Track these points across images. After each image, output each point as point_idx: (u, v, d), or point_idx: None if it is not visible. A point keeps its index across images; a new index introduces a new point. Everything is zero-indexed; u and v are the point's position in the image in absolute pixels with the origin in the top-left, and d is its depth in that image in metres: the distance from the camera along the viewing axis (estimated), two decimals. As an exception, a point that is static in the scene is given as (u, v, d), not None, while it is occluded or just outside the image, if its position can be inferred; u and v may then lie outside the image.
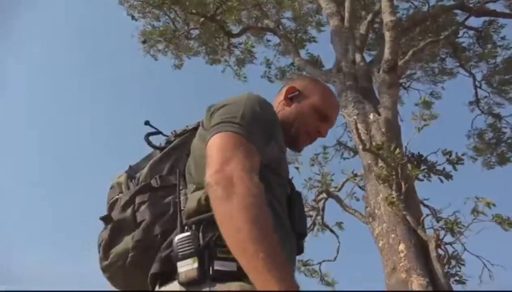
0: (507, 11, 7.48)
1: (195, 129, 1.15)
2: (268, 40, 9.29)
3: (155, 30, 9.04)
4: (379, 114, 5.40)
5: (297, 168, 6.29)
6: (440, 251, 4.13)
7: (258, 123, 1.00)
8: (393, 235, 4.28)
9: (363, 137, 4.95)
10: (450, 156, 4.91)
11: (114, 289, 1.06)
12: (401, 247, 4.13)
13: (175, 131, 1.21)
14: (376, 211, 4.65)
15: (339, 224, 5.99)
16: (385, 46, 5.69)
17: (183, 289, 0.84)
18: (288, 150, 1.24)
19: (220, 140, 0.93)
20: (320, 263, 6.80)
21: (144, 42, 9.36)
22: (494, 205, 3.88)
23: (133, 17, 8.95)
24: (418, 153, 5.05)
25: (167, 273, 0.88)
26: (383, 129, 5.16)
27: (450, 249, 4.34)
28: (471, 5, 7.35)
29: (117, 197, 1.10)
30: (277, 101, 1.27)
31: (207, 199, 0.89)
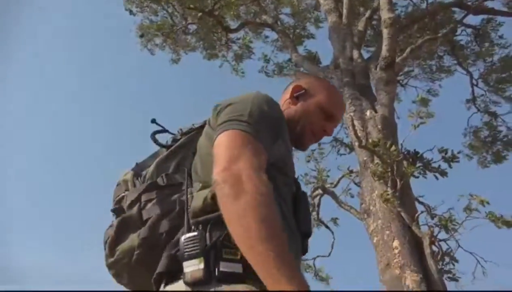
0: (505, 9, 7.48)
1: (201, 127, 1.15)
2: (266, 36, 9.28)
3: (152, 24, 9.00)
4: (375, 111, 5.42)
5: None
6: (434, 248, 4.16)
7: (265, 122, 1.00)
8: (387, 232, 4.31)
9: (359, 134, 4.97)
10: (445, 153, 4.93)
11: (119, 285, 1.06)
12: (396, 243, 4.16)
13: (181, 129, 1.21)
14: (371, 208, 4.67)
15: (334, 220, 6.02)
16: (383, 43, 5.69)
17: (188, 289, 0.84)
18: (293, 148, 1.24)
19: (228, 139, 0.93)
20: (314, 258, 6.85)
21: (141, 36, 9.33)
22: (487, 202, 3.90)
23: (131, 12, 8.91)
24: (414, 150, 5.07)
25: (173, 272, 0.88)
26: (379, 126, 5.17)
27: (444, 246, 4.38)
28: (469, 3, 7.35)
29: (123, 194, 1.10)
30: (283, 100, 1.27)
31: (213, 197, 0.90)
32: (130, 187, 1.10)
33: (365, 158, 5.12)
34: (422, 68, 8.89)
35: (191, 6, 7.99)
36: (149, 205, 1.00)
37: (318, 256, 6.71)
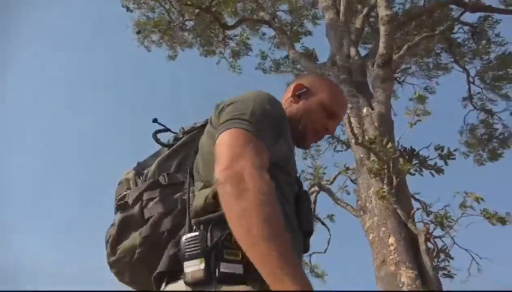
0: (502, 6, 7.49)
1: (203, 126, 1.14)
2: (264, 33, 9.27)
3: (149, 21, 8.97)
4: (372, 109, 5.42)
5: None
6: (430, 245, 4.18)
7: (267, 120, 0.99)
8: (383, 228, 4.32)
9: (355, 131, 4.98)
10: (442, 150, 4.95)
11: (120, 283, 1.07)
12: (391, 240, 4.17)
13: (183, 128, 1.21)
14: (367, 205, 4.68)
15: (331, 217, 6.04)
16: (380, 40, 5.69)
17: (188, 289, 0.84)
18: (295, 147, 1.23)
19: (230, 137, 0.93)
20: (310, 255, 6.86)
21: (138, 32, 9.30)
22: (482, 199, 3.92)
23: (128, 9, 8.88)
24: (411, 147, 5.09)
25: (174, 271, 0.88)
26: (376, 124, 5.18)
27: (439, 243, 4.40)
28: (466, 0, 7.35)
29: (125, 193, 1.10)
30: (285, 98, 1.27)
31: (214, 196, 0.89)
32: (132, 186, 1.10)
33: (361, 155, 5.13)
34: (419, 65, 8.90)
35: (188, 2, 7.96)
36: (151, 203, 1.00)
37: (314, 253, 6.73)
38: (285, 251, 0.75)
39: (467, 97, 8.27)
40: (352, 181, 6.00)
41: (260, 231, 0.77)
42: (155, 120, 1.23)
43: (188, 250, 0.85)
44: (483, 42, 7.92)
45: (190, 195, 0.97)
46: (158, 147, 1.23)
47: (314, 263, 6.92)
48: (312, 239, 1.12)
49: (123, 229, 1.01)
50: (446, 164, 4.92)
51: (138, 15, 9.04)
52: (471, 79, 8.18)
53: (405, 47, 6.63)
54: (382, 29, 5.67)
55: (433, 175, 4.94)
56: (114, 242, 1.02)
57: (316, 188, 6.25)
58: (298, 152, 7.08)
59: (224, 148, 0.91)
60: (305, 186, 6.29)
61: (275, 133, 1.01)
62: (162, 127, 1.23)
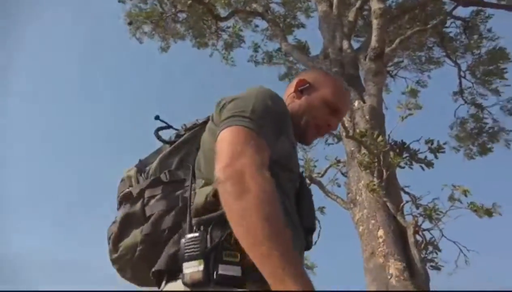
0: (494, 1, 7.52)
1: (205, 123, 1.13)
2: (256, 26, 9.22)
3: (141, 12, 8.87)
4: (364, 102, 5.44)
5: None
6: (418, 237, 4.23)
7: (269, 117, 0.99)
8: (373, 221, 4.36)
9: (346, 125, 4.99)
10: (431, 144, 4.99)
11: (123, 280, 1.08)
12: (380, 232, 4.22)
13: (185, 125, 1.20)
14: (358, 197, 4.72)
15: (321, 209, 6.06)
16: (372, 34, 5.69)
17: (187, 289, 0.84)
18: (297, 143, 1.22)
19: (230, 135, 0.92)
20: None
21: (130, 23, 9.19)
22: (469, 192, 3.97)
23: (120, 0, 8.77)
24: (401, 140, 5.12)
25: (173, 271, 0.88)
26: (367, 117, 5.20)
27: (428, 235, 4.45)
28: (459, -6, 7.37)
29: (127, 190, 1.09)
30: (287, 94, 1.26)
31: (214, 194, 0.89)
32: (134, 183, 1.10)
33: (352, 148, 5.16)
34: (412, 59, 8.93)
35: (181, -7, 7.89)
36: (152, 201, 1.00)
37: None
38: (286, 251, 0.75)
39: (458, 92, 8.32)
40: (342, 173, 6.03)
41: (261, 230, 0.77)
42: (157, 117, 1.22)
43: (187, 251, 0.86)
44: (475, 36, 7.95)
45: (191, 192, 0.97)
46: (159, 144, 1.22)
47: (304, 255, 6.94)
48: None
49: (124, 226, 1.02)
50: (436, 157, 4.97)
51: (130, 6, 8.94)
52: (462, 73, 8.24)
53: (397, 40, 6.65)
54: (375, 22, 5.68)
55: (423, 168, 4.98)
56: (116, 239, 1.02)
57: (307, 181, 6.23)
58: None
59: (225, 146, 0.90)
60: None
61: (276, 130, 1.00)
62: (163, 125, 1.22)
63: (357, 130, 4.88)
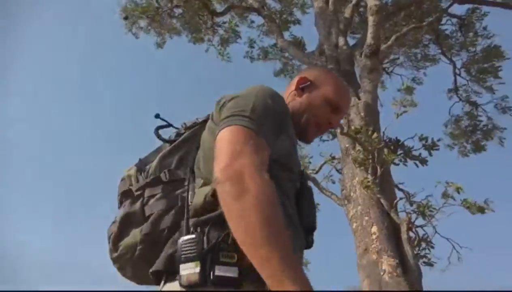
0: (490, -1, 7.53)
1: (205, 121, 1.13)
2: (252, 21, 9.19)
3: (137, 7, 8.81)
4: (359, 99, 5.44)
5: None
6: (411, 234, 4.25)
7: (269, 116, 0.98)
8: (366, 218, 4.38)
9: (341, 121, 4.99)
10: (426, 141, 5.00)
11: (123, 279, 1.09)
12: (374, 229, 4.24)
13: (185, 123, 1.20)
14: (352, 194, 4.73)
15: (316, 205, 6.07)
16: (368, 30, 5.69)
17: (184, 290, 0.85)
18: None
19: (230, 135, 0.92)
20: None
21: (125, 18, 9.13)
22: (462, 189, 3.99)
23: (116, -5, 8.71)
24: (396, 137, 5.13)
25: (171, 271, 0.89)
26: (362, 114, 5.20)
27: (421, 232, 4.48)
28: (455, -8, 7.37)
29: (127, 189, 1.10)
30: (288, 92, 1.25)
31: (213, 194, 0.89)
32: (134, 182, 1.10)
33: (347, 145, 5.17)
34: (408, 56, 8.94)
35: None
36: (152, 200, 1.01)
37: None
38: (285, 254, 0.75)
39: (452, 89, 8.35)
40: (337, 170, 6.05)
41: (261, 232, 0.77)
42: (157, 116, 1.21)
43: (184, 252, 0.86)
44: (471, 34, 7.97)
45: (190, 192, 0.97)
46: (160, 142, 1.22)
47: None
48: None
49: (124, 226, 1.02)
50: (430, 154, 4.98)
51: (126, 1, 8.88)
52: (457, 71, 8.26)
53: (393, 37, 6.64)
54: (371, 19, 5.66)
55: (417, 166, 5.00)
56: (115, 239, 1.03)
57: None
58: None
59: (224, 145, 0.90)
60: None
61: (276, 129, 1.00)
62: (164, 123, 1.22)
63: (352, 127, 4.89)
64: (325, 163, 6.23)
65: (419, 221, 4.43)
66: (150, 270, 0.92)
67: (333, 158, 6.16)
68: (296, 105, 1.20)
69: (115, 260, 1.05)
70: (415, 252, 4.10)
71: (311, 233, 1.10)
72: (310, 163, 6.18)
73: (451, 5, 7.76)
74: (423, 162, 4.99)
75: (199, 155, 1.06)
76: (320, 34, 6.65)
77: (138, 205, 1.02)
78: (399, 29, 7.28)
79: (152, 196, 1.01)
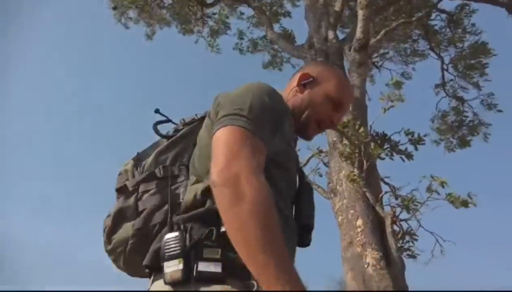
0: (479, -5, 7.58)
1: (203, 118, 1.12)
2: (242, 13, 9.13)
3: (126, -4, 8.69)
4: (347, 93, 5.45)
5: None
6: (396, 227, 4.30)
7: (266, 115, 0.97)
8: (352, 211, 4.42)
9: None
10: (412, 136, 5.04)
11: (123, 275, 1.11)
12: (359, 222, 4.28)
13: (183, 119, 1.19)
14: (338, 187, 4.77)
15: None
16: (358, 24, 5.69)
17: (170, 288, 0.85)
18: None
19: (227, 135, 0.91)
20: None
21: (114, 8, 9.01)
22: (446, 184, 4.05)
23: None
24: (383, 132, 5.16)
25: (157, 267, 0.89)
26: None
27: (406, 226, 4.53)
28: (444, -12, 7.40)
29: (123, 184, 1.11)
30: (289, 88, 1.22)
31: (203, 193, 0.91)
32: (130, 177, 1.11)
33: (334, 139, 5.19)
34: (397, 50, 8.98)
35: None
36: (145, 196, 1.01)
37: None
38: (281, 261, 0.76)
39: (440, 84, 8.42)
40: (324, 163, 6.08)
41: (257, 240, 0.77)
42: (157, 111, 1.20)
43: (167, 250, 0.86)
44: (459, 30, 8.03)
45: (182, 189, 0.98)
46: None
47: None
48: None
49: (118, 220, 1.04)
50: (416, 148, 5.02)
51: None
52: (445, 66, 8.32)
53: (382, 32, 6.65)
54: (360, 13, 5.66)
55: (403, 160, 5.05)
56: (109, 232, 1.05)
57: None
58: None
59: (221, 146, 0.89)
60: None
61: (273, 128, 0.99)
62: (163, 118, 1.21)
63: (340, 121, 4.91)
64: (312, 156, 6.26)
65: (404, 215, 4.49)
66: (143, 263, 0.93)
67: (321, 151, 6.19)
68: (297, 101, 1.18)
69: (109, 253, 1.06)
70: (398, 245, 4.15)
71: (309, 232, 1.11)
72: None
73: (440, 0, 7.80)
74: (409, 156, 5.03)
75: (195, 152, 1.06)
76: (310, 27, 6.64)
77: (132, 199, 1.03)
78: (388, 24, 7.29)
79: (146, 191, 1.02)
